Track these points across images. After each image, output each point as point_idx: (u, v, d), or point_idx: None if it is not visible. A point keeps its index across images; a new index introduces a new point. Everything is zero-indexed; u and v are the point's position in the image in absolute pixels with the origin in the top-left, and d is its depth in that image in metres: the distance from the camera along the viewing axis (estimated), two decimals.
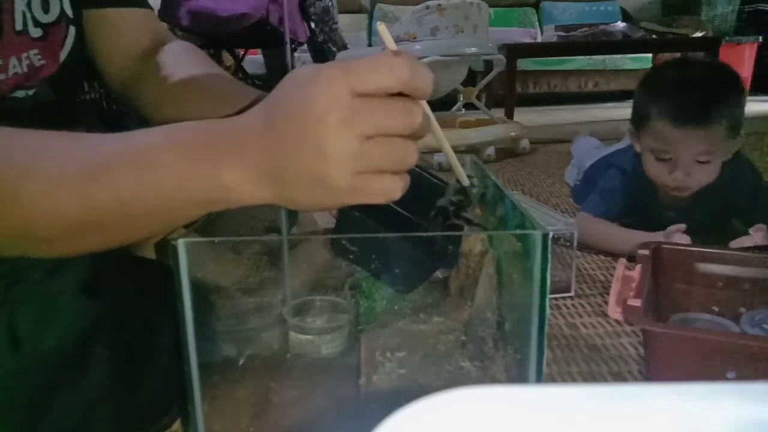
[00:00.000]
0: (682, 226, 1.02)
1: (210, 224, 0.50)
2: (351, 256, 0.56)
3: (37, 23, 0.60)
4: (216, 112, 0.50)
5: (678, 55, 4.05)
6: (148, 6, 0.75)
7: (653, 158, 1.10)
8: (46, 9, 0.61)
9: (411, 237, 0.55)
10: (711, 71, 1.13)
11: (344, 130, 0.37)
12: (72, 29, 0.65)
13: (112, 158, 0.42)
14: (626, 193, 1.20)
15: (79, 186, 0.41)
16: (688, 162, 1.06)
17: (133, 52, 0.71)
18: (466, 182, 0.54)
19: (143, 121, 0.70)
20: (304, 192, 0.40)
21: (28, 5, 0.59)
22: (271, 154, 0.40)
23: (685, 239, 1.00)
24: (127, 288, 0.53)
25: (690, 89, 1.07)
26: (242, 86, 0.68)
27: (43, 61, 0.62)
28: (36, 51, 0.61)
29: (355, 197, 0.40)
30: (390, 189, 0.40)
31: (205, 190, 0.41)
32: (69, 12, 0.64)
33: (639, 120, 1.13)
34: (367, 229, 0.53)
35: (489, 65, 2.89)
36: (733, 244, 1.04)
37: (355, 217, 0.52)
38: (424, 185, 0.60)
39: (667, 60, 1.29)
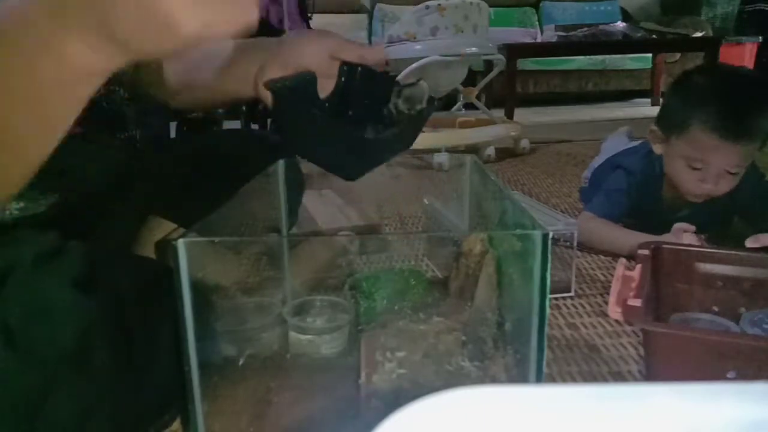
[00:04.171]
0: (692, 227, 1.02)
1: (210, 224, 0.50)
2: (286, 138, 0.58)
3: None
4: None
5: (678, 56, 4.06)
6: None
7: (684, 164, 1.09)
8: None
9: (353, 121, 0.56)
10: (752, 82, 1.11)
11: None
12: None
13: None
14: (631, 195, 1.19)
15: None
16: (720, 173, 1.06)
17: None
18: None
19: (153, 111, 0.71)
20: (138, 31, 0.39)
21: None
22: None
23: (692, 238, 1.00)
24: (127, 286, 0.53)
25: (738, 103, 1.05)
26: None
27: None
28: None
29: (201, 29, 0.38)
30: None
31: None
32: None
33: (674, 125, 1.11)
34: (305, 113, 0.55)
35: (489, 65, 2.89)
36: (749, 241, 1.03)
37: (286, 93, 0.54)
38: (373, 80, 0.62)
39: (698, 67, 1.27)
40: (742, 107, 1.05)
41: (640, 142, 1.35)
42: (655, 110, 1.23)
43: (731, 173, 1.06)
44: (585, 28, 3.27)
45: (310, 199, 1.10)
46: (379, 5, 4.37)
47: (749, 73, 1.15)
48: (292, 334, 0.64)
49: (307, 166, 0.80)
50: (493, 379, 0.54)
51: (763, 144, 1.07)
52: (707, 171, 1.06)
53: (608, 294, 0.79)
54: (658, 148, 1.15)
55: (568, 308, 0.95)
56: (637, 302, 0.67)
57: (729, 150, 1.04)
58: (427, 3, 2.08)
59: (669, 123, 1.13)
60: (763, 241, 1.00)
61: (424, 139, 2.17)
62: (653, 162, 1.17)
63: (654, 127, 1.16)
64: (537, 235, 0.44)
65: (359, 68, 0.61)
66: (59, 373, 0.46)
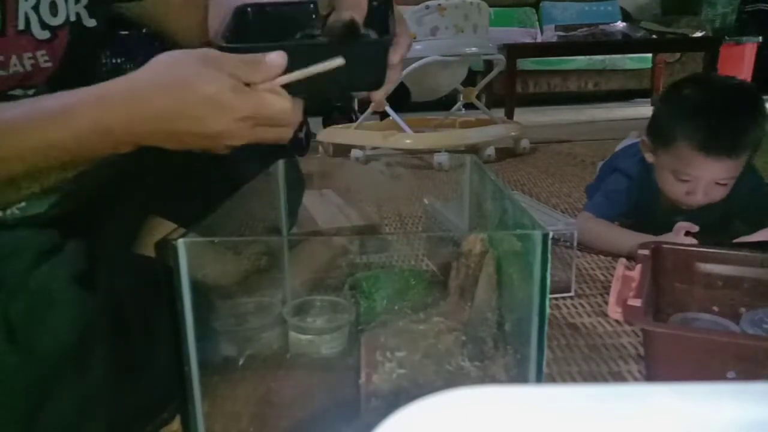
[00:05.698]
0: (694, 227, 1.02)
1: (210, 224, 0.50)
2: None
3: (44, 25, 0.61)
4: None
5: (678, 55, 4.06)
6: None
7: (672, 176, 1.08)
8: (54, 12, 0.62)
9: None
10: (739, 95, 1.10)
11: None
12: (74, 34, 0.65)
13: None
14: (630, 197, 1.19)
15: None
16: (709, 185, 1.06)
17: (200, 11, 0.76)
18: None
19: None
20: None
21: (35, 7, 0.60)
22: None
23: (690, 239, 1.00)
24: (126, 285, 0.53)
25: (721, 118, 1.04)
26: None
27: (49, 63, 0.62)
28: (43, 52, 0.61)
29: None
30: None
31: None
32: (73, 17, 0.65)
33: (661, 138, 1.10)
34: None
35: (489, 65, 2.89)
36: (738, 240, 1.03)
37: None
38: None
39: (688, 77, 1.25)
40: (726, 123, 1.03)
41: (640, 140, 1.35)
42: None
43: (721, 184, 1.05)
44: (585, 28, 3.28)
45: (310, 199, 1.10)
46: None
47: (739, 86, 1.13)
48: (292, 334, 0.64)
49: (306, 166, 0.79)
50: (493, 379, 0.54)
51: (753, 152, 1.06)
52: (695, 183, 1.06)
53: (608, 294, 0.79)
54: (649, 157, 1.15)
55: (568, 308, 0.95)
56: (637, 302, 0.67)
57: (715, 165, 1.03)
58: (427, 3, 2.08)
59: (656, 135, 1.12)
60: (750, 239, 1.00)
61: (424, 139, 2.18)
62: (649, 166, 1.17)
63: (644, 137, 1.16)
64: (537, 235, 0.44)
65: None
66: (60, 369, 0.46)
